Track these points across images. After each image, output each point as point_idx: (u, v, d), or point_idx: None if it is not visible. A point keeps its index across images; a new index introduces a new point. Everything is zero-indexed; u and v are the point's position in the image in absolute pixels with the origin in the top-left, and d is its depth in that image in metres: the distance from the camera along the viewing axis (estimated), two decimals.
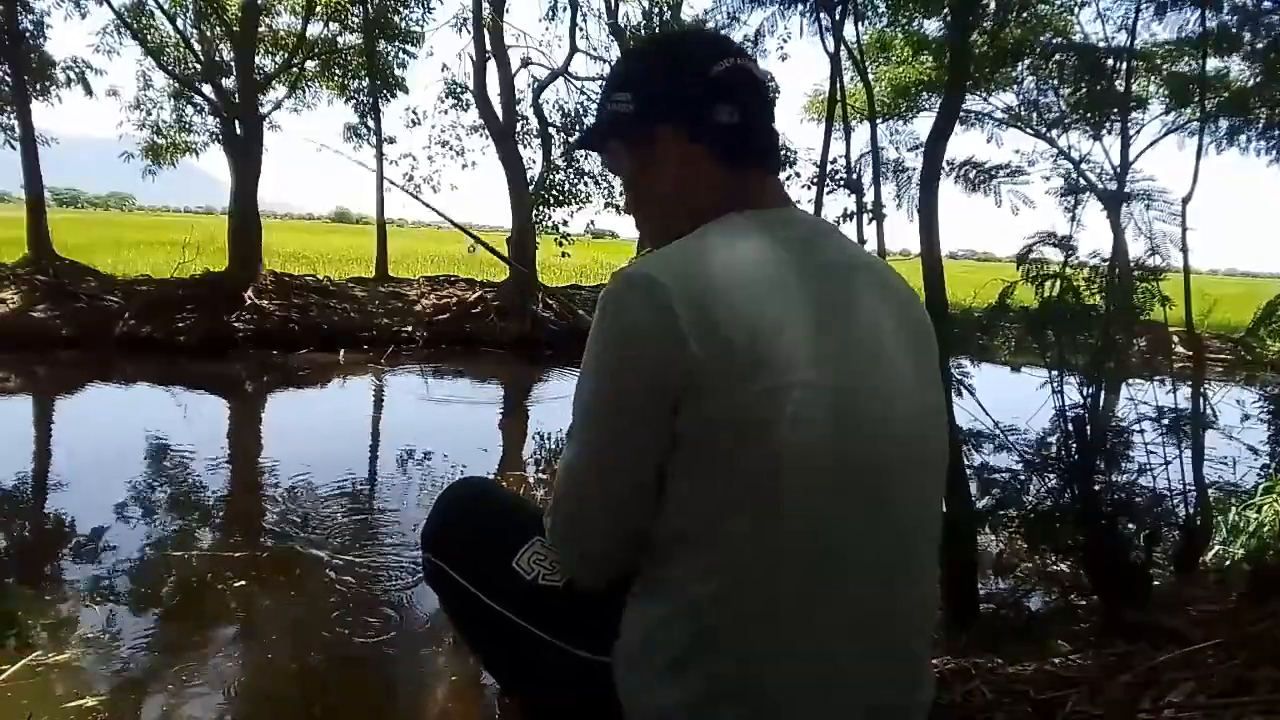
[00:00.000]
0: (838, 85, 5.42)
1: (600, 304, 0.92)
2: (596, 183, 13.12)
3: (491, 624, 1.14)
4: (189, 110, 12.90)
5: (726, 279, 0.89)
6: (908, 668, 0.98)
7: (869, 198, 5.55)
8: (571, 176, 13.11)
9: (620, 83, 1.11)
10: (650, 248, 1.07)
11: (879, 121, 8.79)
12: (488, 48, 11.78)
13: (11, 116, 10.80)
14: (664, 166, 1.08)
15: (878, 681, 0.94)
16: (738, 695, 0.90)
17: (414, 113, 13.05)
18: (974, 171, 5.14)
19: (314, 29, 12.62)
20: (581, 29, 12.94)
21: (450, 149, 13.21)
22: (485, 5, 11.72)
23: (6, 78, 10.77)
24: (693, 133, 1.05)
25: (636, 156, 1.11)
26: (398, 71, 13.70)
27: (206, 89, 11.96)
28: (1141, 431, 2.77)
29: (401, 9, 13.15)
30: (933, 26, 9.44)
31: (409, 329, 10.76)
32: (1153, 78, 9.37)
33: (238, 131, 11.19)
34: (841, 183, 7.63)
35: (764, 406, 0.86)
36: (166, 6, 11.40)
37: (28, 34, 11.01)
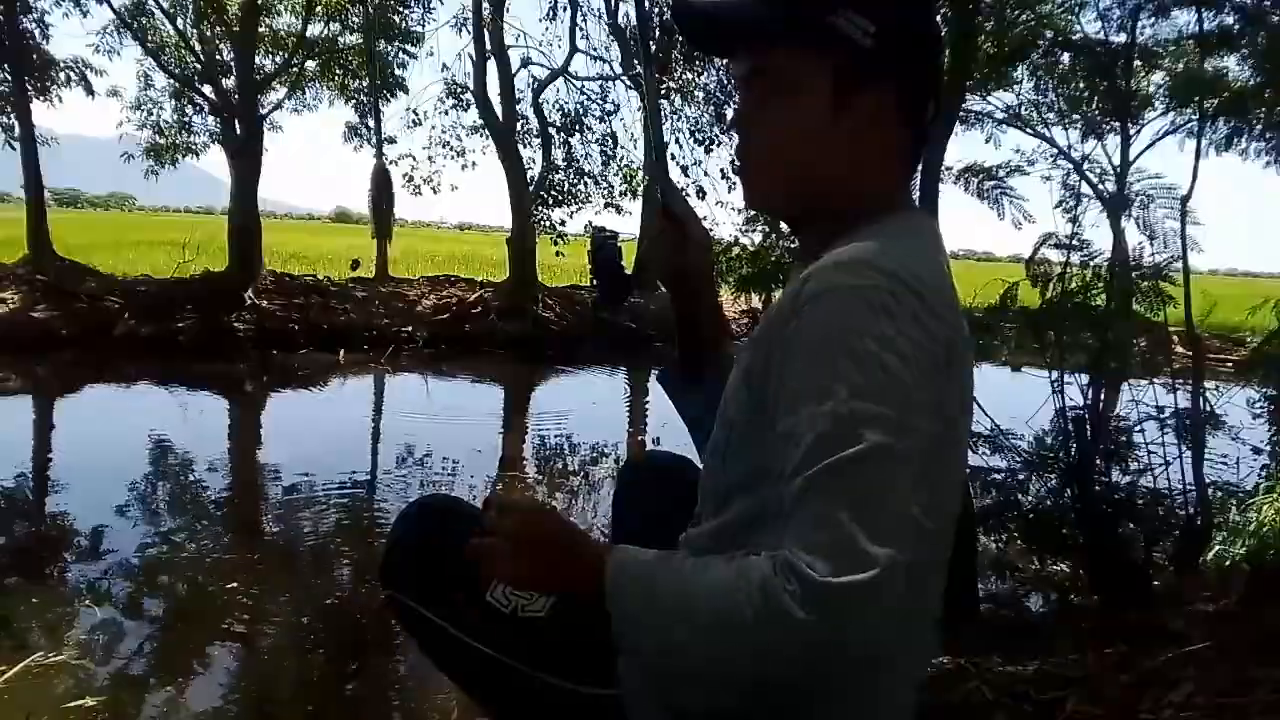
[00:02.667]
0: None
1: (884, 297, 0.74)
2: (596, 183, 13.13)
3: (478, 663, 1.05)
4: (189, 110, 12.92)
5: (946, 286, 0.83)
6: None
7: None
8: (571, 176, 13.12)
9: (858, 2, 0.84)
10: (755, 201, 0.95)
11: None
12: (488, 48, 11.79)
13: (11, 116, 10.81)
14: (852, 128, 0.86)
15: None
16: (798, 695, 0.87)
17: (414, 113, 13.07)
18: (980, 179, 5.14)
19: (314, 29, 12.65)
20: (581, 29, 12.97)
21: (450, 149, 13.23)
22: (485, 5, 11.73)
23: (7, 78, 10.78)
24: (910, 115, 0.89)
25: (817, 95, 0.85)
26: (398, 71, 13.74)
27: (206, 89, 11.97)
28: (1142, 431, 2.77)
29: (401, 9, 13.17)
30: None
31: (409, 329, 10.76)
32: (1152, 77, 9.38)
33: (238, 131, 11.20)
34: None
35: (963, 417, 0.86)
36: (166, 6, 11.42)
37: (28, 34, 11.01)
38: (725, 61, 1.10)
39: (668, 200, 1.13)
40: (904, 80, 0.87)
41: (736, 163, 0.95)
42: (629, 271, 1.18)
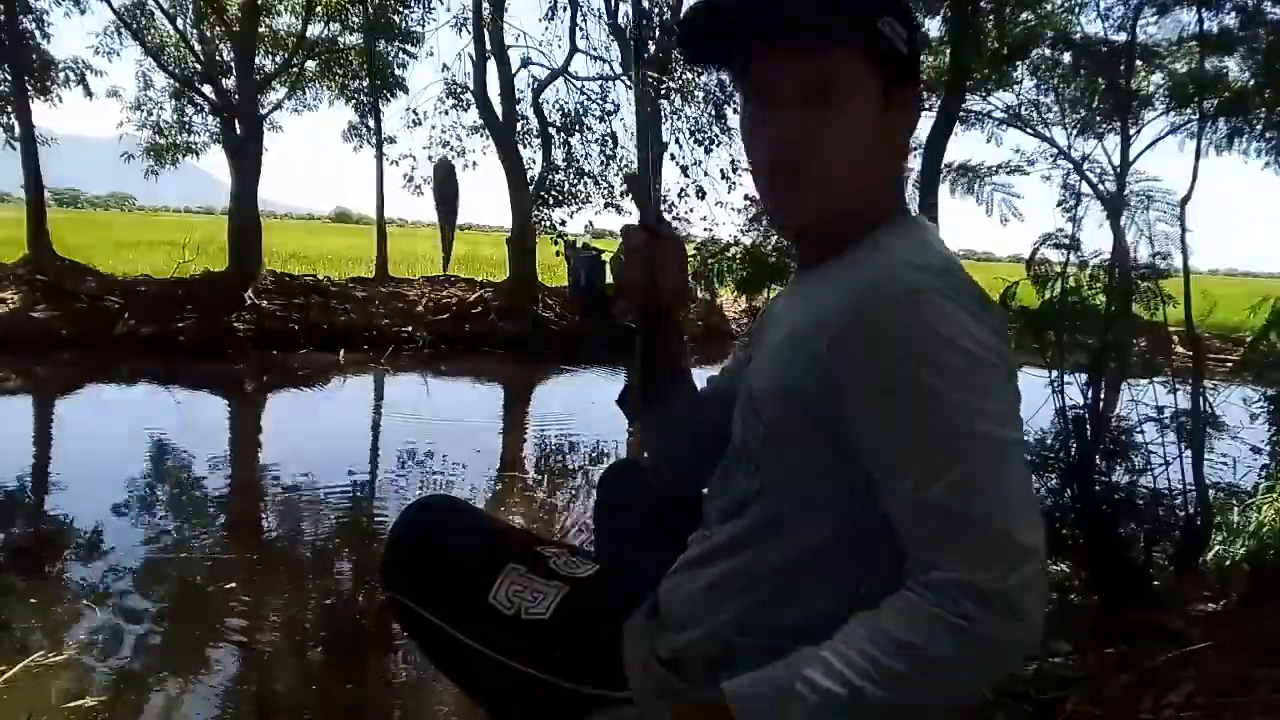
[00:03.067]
0: None
1: (960, 299, 0.76)
2: (596, 183, 13.12)
3: (479, 665, 1.03)
4: (189, 110, 12.92)
5: None
6: None
7: None
8: (571, 176, 13.11)
9: (894, 11, 0.86)
10: (803, 207, 0.89)
11: None
12: (488, 48, 11.79)
13: (11, 116, 10.81)
14: (891, 130, 0.89)
15: None
16: None
17: (414, 113, 13.06)
18: (967, 176, 5.15)
19: (314, 29, 12.64)
20: (581, 29, 12.95)
21: (450, 149, 13.22)
22: (485, 5, 11.74)
23: (7, 78, 10.77)
24: (914, 120, 0.94)
25: (869, 98, 0.86)
26: (398, 71, 13.74)
27: (207, 89, 11.97)
28: (1142, 431, 2.77)
29: (401, 9, 13.17)
30: (934, 28, 9.43)
31: (409, 329, 10.76)
32: (1152, 77, 9.37)
33: (238, 131, 11.20)
34: None
35: None
36: (166, 6, 11.42)
37: (28, 34, 11.01)
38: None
39: (647, 216, 1.06)
40: (918, 86, 0.91)
41: (773, 173, 0.90)
42: (608, 289, 1.12)
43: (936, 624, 0.63)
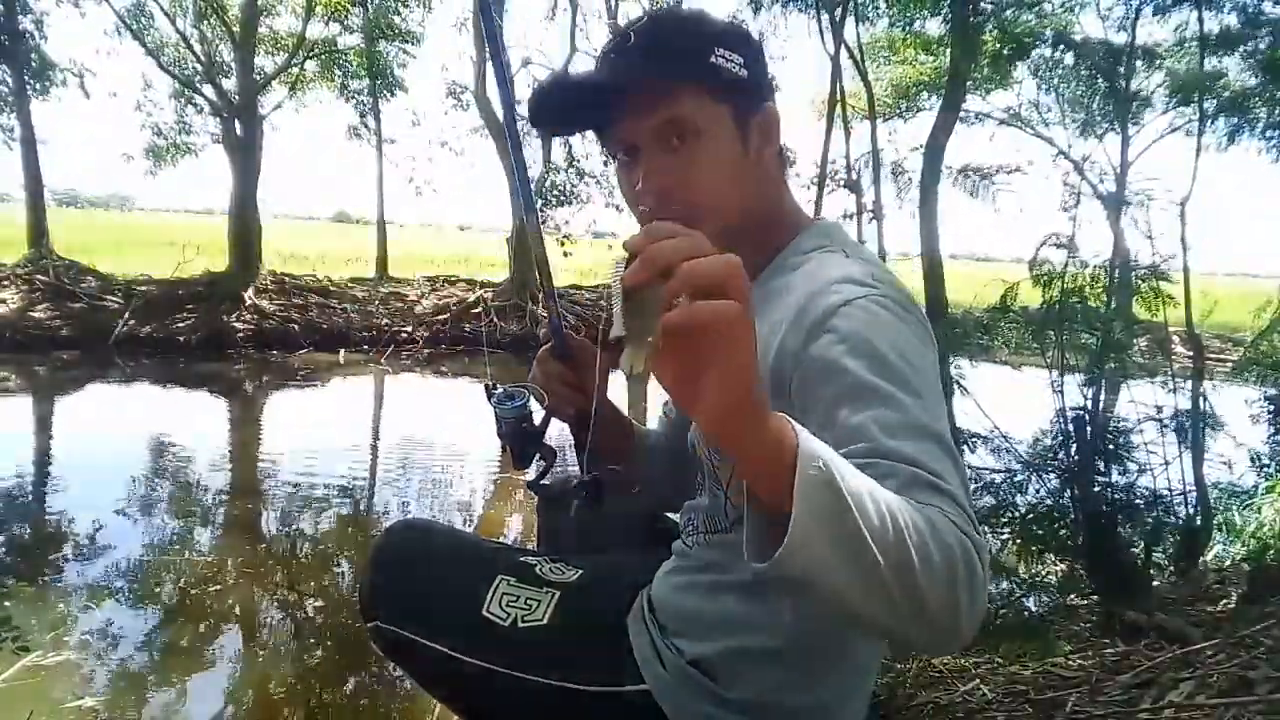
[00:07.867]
0: (838, 86, 5.44)
1: (890, 305, 0.80)
2: (598, 183, 13.12)
3: (486, 686, 1.00)
4: (189, 110, 12.93)
5: None
6: None
7: (869, 198, 5.56)
8: (572, 177, 13.12)
9: (723, 41, 0.89)
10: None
11: (879, 120, 8.82)
12: (487, 48, 11.81)
13: (12, 116, 10.81)
14: (758, 149, 0.93)
15: None
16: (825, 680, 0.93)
17: (415, 113, 13.08)
18: (974, 176, 5.15)
19: (314, 29, 12.65)
20: (581, 29, 12.97)
21: (450, 149, 13.24)
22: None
23: (7, 78, 10.78)
24: (778, 132, 0.97)
25: (725, 127, 0.90)
26: (398, 71, 13.75)
27: (207, 89, 11.98)
28: (1141, 431, 2.77)
29: (402, 9, 13.19)
30: (933, 27, 9.44)
31: (409, 329, 10.76)
32: (1152, 78, 9.39)
33: (238, 132, 11.20)
34: (842, 183, 7.65)
35: None
36: (166, 7, 11.42)
37: (27, 34, 11.01)
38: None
39: (557, 341, 1.10)
40: (771, 101, 0.94)
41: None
42: (536, 425, 1.12)
43: (947, 524, 0.60)
